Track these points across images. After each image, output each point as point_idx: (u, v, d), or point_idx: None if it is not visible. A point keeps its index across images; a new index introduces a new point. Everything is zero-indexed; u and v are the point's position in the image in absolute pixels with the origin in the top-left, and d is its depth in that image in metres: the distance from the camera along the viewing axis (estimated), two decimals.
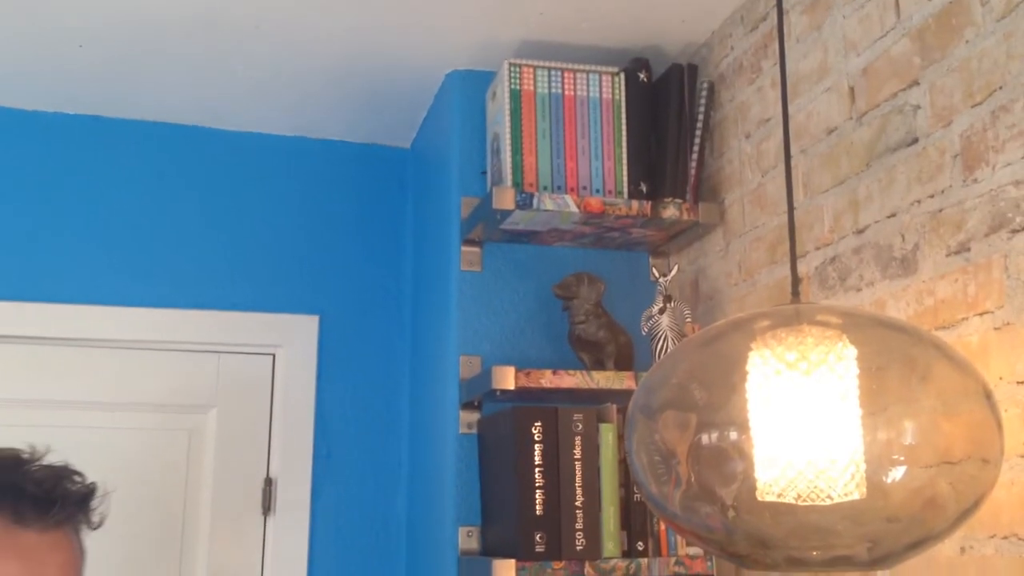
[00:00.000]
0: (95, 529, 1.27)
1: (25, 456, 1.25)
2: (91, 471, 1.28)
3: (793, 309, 1.17)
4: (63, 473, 1.24)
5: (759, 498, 1.13)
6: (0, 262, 2.20)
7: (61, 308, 2.19)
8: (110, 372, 2.22)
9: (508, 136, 1.88)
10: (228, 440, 2.24)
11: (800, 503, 1.12)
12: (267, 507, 2.23)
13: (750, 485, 1.13)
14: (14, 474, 1.21)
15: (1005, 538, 1.17)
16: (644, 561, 1.73)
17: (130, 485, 2.16)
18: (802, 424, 1.13)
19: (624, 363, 1.86)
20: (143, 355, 2.24)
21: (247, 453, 2.25)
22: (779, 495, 1.13)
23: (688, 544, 1.75)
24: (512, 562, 1.67)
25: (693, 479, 1.16)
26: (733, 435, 1.14)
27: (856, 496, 1.11)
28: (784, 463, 1.13)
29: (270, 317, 2.30)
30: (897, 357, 1.14)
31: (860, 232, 1.47)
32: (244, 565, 2.20)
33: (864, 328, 1.17)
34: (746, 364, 1.15)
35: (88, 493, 1.26)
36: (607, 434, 1.77)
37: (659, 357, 1.82)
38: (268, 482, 2.24)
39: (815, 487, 1.12)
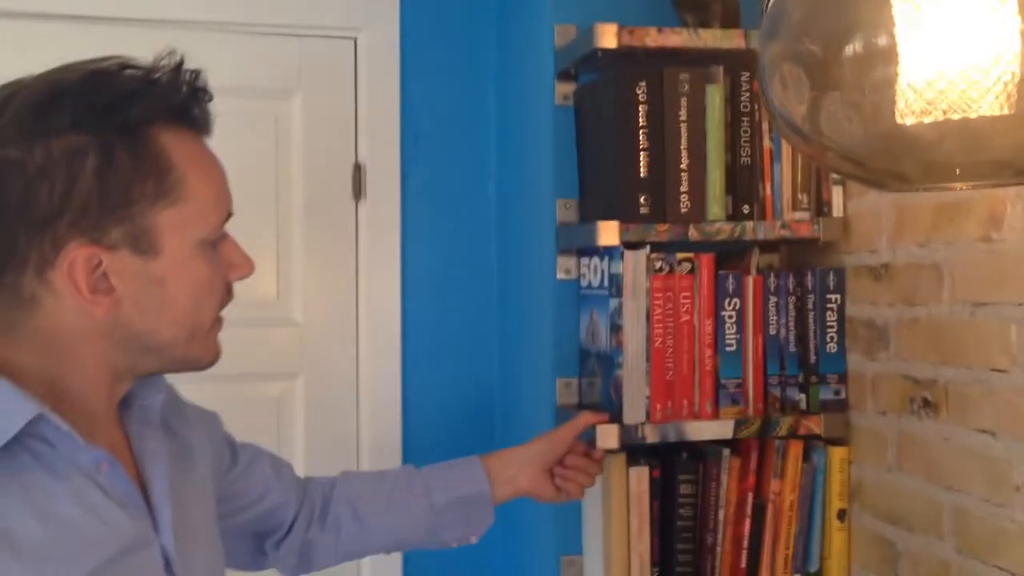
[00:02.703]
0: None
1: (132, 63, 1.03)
2: None
3: None
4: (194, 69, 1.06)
5: (904, 110, 1.06)
6: None
7: None
8: (185, 54, 2.15)
9: None
10: (314, 126, 2.20)
11: (949, 116, 1.04)
12: (358, 192, 2.22)
13: (894, 97, 1.06)
14: (157, 82, 1.02)
15: None
16: (749, 224, 1.70)
17: None
18: (955, 31, 1.04)
19: (731, 22, 1.75)
20: (219, 36, 2.15)
21: (334, 139, 2.21)
22: (926, 107, 1.05)
23: (820, 166, 1.70)
24: (615, 223, 1.65)
25: (832, 94, 1.08)
26: (882, 41, 1.05)
27: (1008, 110, 1.03)
28: (934, 73, 1.04)
29: None
30: None
31: None
32: (338, 251, 2.22)
33: None
34: None
35: None
36: (714, 96, 1.69)
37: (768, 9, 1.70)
38: (357, 168, 2.22)
39: (967, 97, 1.04)
